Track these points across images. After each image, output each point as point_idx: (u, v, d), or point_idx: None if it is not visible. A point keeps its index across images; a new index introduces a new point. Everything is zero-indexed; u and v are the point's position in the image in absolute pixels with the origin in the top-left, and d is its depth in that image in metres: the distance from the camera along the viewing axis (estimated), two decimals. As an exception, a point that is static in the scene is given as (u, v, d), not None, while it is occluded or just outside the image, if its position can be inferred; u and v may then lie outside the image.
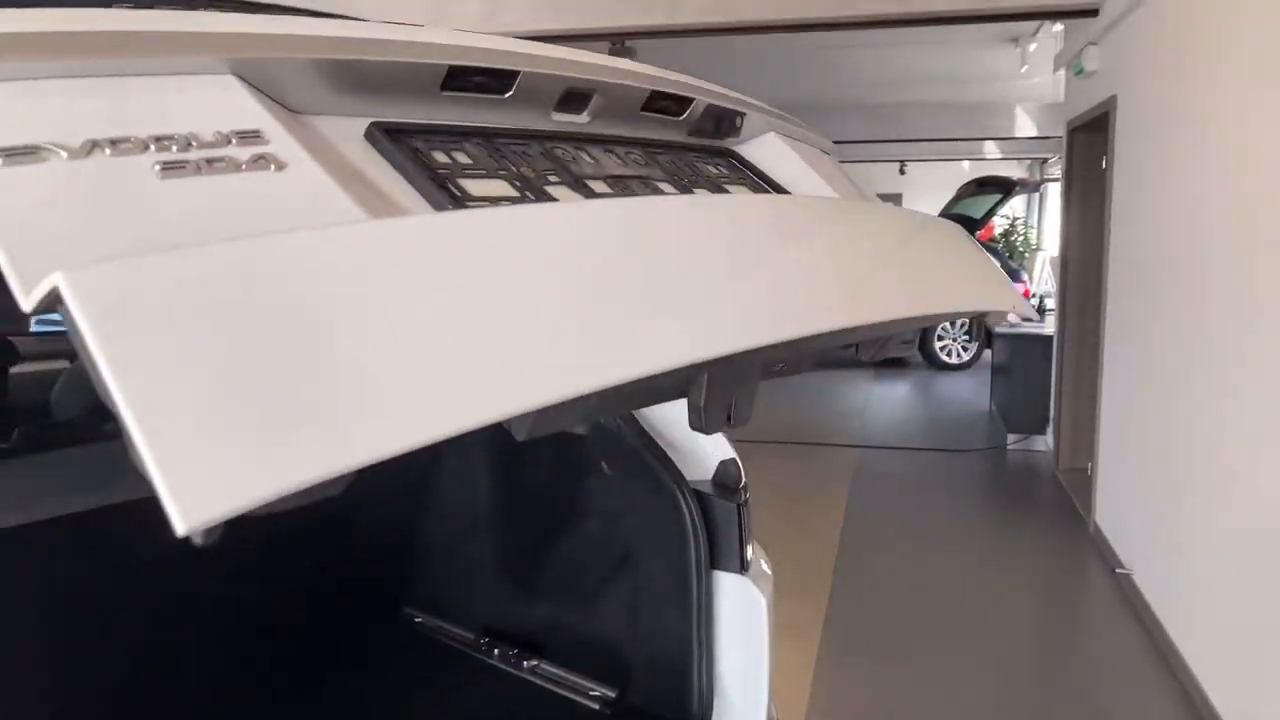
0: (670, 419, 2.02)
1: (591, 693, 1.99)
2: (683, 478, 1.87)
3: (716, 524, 1.87)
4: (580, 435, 2.06)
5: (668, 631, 1.89)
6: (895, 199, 18.52)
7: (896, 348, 10.05)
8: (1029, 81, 9.21)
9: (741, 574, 1.88)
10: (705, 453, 1.98)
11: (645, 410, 2.01)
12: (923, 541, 5.05)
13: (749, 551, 1.90)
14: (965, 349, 10.25)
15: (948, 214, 11.50)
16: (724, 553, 1.87)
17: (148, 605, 1.96)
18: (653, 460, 1.89)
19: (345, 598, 2.34)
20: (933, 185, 16.51)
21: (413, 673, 2.15)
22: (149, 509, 0.44)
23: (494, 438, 2.34)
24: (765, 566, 1.99)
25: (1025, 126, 11.50)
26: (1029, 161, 16.20)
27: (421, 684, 2.10)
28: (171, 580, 1.95)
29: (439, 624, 2.33)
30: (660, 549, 1.92)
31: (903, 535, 5.16)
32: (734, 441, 1.99)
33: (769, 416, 7.84)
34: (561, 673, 2.07)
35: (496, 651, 2.15)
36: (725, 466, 1.95)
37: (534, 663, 2.11)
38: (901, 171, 16.25)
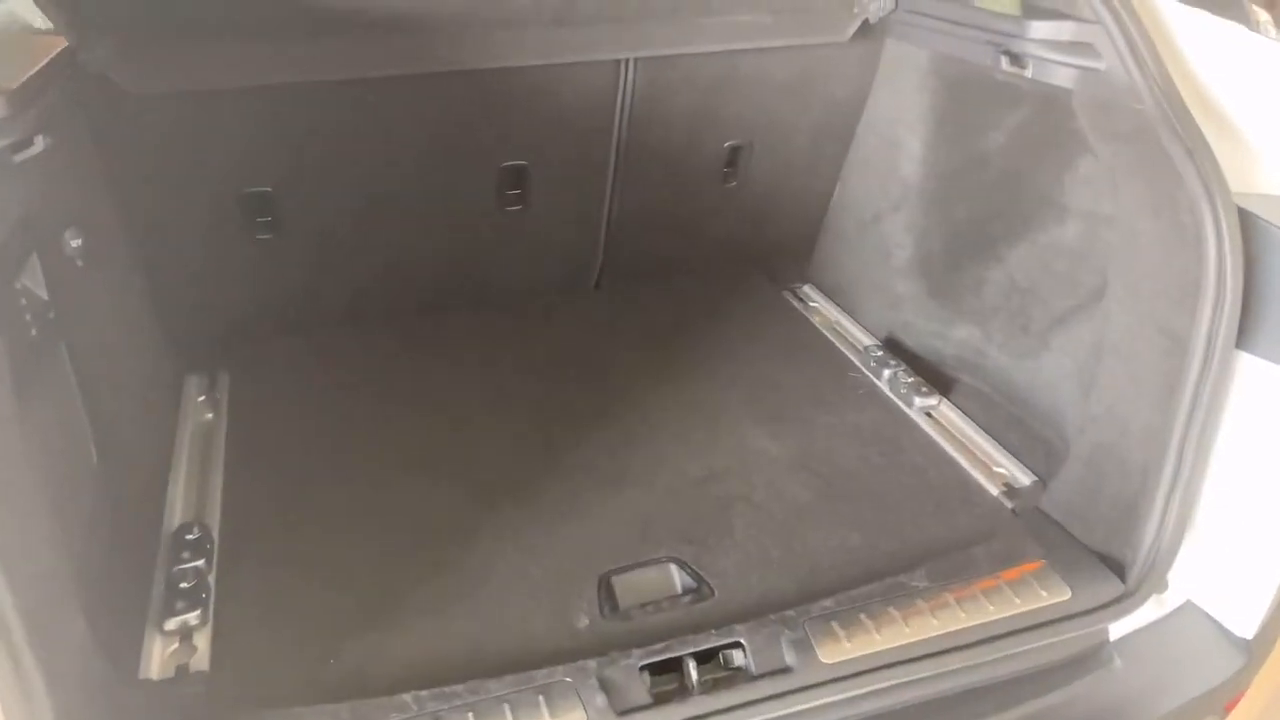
0: (1224, 77, 1.15)
1: (996, 469, 1.40)
2: (1219, 183, 1.07)
3: (1266, 272, 1.06)
4: (1066, 91, 1.28)
5: (1131, 419, 1.20)
6: None
7: None
8: None
9: (1291, 365, 1.07)
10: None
11: (1190, 58, 1.16)
12: None
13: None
14: None
15: None
16: (1266, 325, 1.07)
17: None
18: (1172, 144, 1.10)
19: (736, 262, 1.96)
20: None
21: (779, 353, 1.70)
22: None
23: (941, 93, 1.61)
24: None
25: None
26: None
27: (786, 370, 1.65)
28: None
29: (835, 317, 1.84)
30: (1151, 290, 1.17)
31: None
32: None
33: None
34: (962, 424, 1.49)
35: (886, 373, 1.60)
36: (1319, 173, 1.07)
37: (931, 401, 1.53)
38: None
